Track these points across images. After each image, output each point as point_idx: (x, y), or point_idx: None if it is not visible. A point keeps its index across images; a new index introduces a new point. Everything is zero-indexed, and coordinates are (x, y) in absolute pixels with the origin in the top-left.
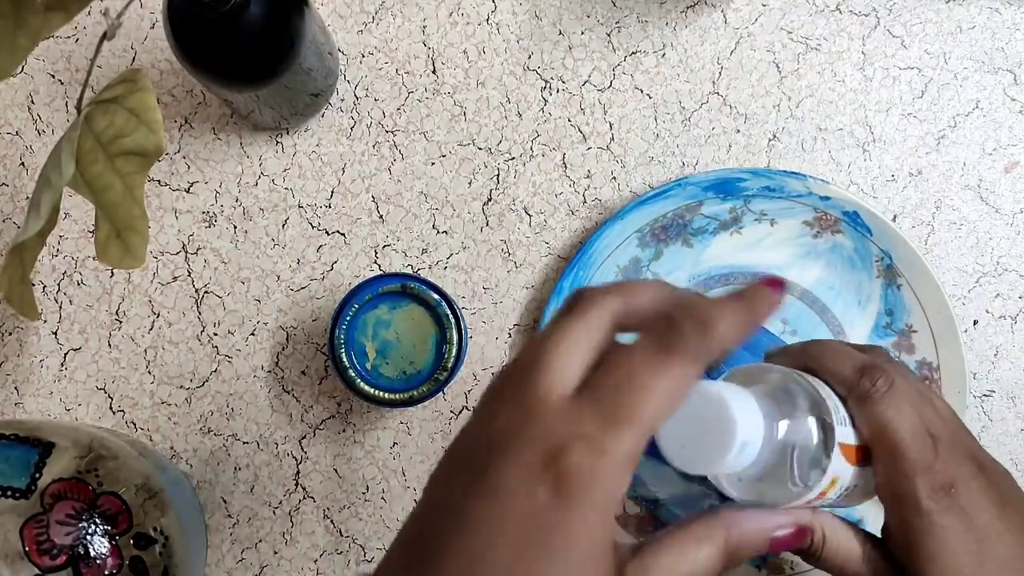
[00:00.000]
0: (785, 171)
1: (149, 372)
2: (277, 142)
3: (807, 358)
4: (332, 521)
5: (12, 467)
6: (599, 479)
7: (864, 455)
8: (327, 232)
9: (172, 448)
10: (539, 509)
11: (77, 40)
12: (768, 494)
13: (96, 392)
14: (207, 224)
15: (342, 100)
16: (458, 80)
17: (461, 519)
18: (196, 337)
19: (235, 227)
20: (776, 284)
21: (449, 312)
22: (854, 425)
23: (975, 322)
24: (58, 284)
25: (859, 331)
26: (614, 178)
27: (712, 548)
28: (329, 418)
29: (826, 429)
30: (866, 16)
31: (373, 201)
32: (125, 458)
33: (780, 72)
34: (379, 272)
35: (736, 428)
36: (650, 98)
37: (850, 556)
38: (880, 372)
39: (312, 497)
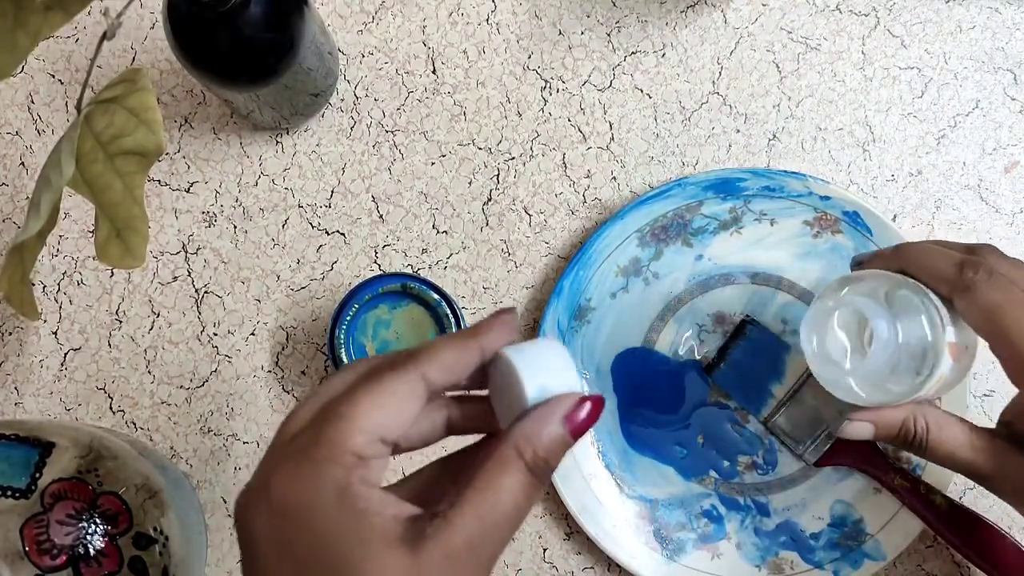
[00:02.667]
0: (785, 171)
1: (149, 372)
2: (277, 142)
3: (903, 260)
4: None
5: (12, 467)
6: (315, 476)
7: (958, 351)
8: (327, 232)
9: (172, 448)
10: (272, 528)
11: (77, 40)
12: (892, 392)
13: (96, 392)
14: (207, 224)
15: (342, 100)
16: (458, 80)
17: None
18: (196, 337)
19: (235, 227)
20: (501, 314)
21: (449, 312)
22: (951, 324)
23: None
24: (58, 284)
25: None
26: (614, 178)
27: (513, 471)
28: None
29: (937, 328)
30: (866, 16)
31: (373, 201)
32: (125, 458)
33: (780, 72)
34: (379, 272)
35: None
36: (650, 98)
37: (957, 444)
38: (978, 263)
39: None
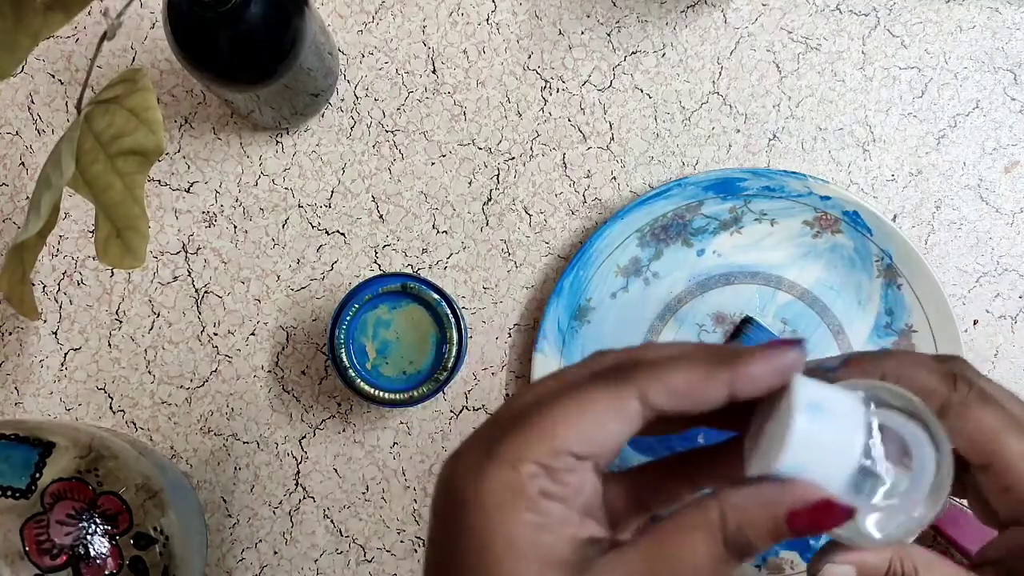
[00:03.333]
0: (785, 171)
1: (149, 372)
2: (277, 142)
3: (884, 371)
4: (332, 521)
5: (12, 467)
6: (487, 478)
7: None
8: (327, 232)
9: (172, 448)
10: (444, 529)
11: (77, 40)
12: (905, 527)
13: (96, 392)
14: (207, 224)
15: (342, 100)
16: (458, 80)
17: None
18: (196, 337)
19: (235, 227)
20: (785, 347)
21: (449, 312)
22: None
23: (975, 322)
24: (58, 284)
25: (859, 331)
26: (614, 178)
27: (706, 536)
28: (329, 418)
29: (946, 447)
30: (866, 16)
31: (373, 201)
32: (125, 458)
33: (780, 72)
34: (379, 272)
35: (796, 425)
36: (650, 98)
37: None
38: (969, 380)
39: (312, 497)
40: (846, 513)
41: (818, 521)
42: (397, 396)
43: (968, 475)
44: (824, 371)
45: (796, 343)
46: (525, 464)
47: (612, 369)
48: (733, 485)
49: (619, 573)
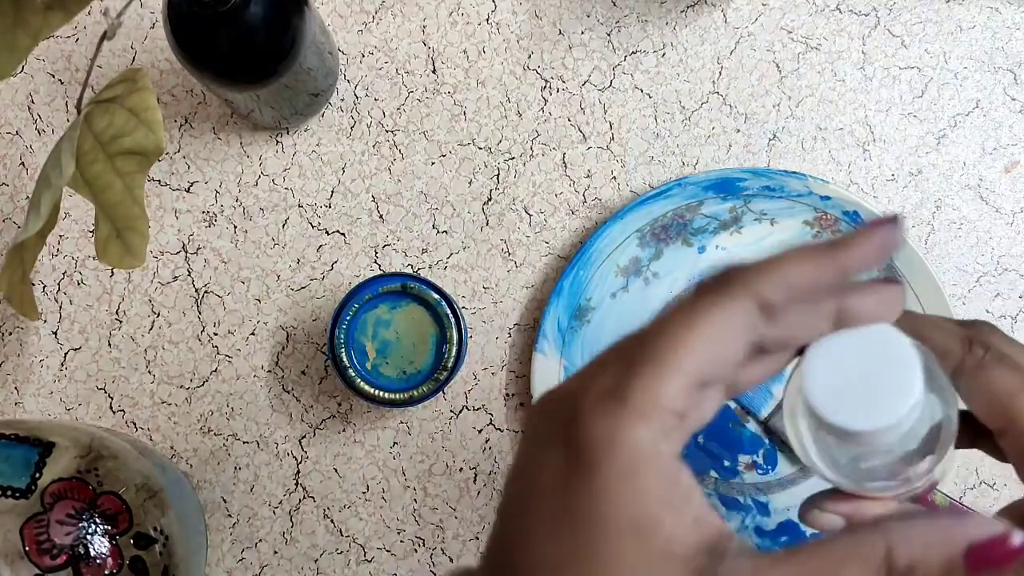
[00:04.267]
0: (785, 171)
1: (149, 372)
2: (277, 142)
3: (901, 326)
4: (332, 521)
5: (12, 467)
6: (619, 437)
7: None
8: (327, 232)
9: (172, 448)
10: (558, 487)
11: (77, 40)
12: (877, 475)
13: (96, 392)
14: (207, 224)
15: (342, 100)
16: (458, 80)
17: (502, 508)
18: (196, 337)
19: (235, 227)
20: (881, 225)
21: (449, 312)
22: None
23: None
24: (58, 284)
25: None
26: (614, 178)
27: (864, 571)
28: (329, 418)
29: (953, 399)
30: (866, 16)
31: (373, 201)
32: (125, 458)
33: (780, 72)
34: (379, 272)
35: (919, 365)
36: (650, 98)
37: None
38: (987, 342)
39: (312, 497)
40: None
41: (999, 558)
42: (397, 396)
43: (992, 441)
44: None
45: (892, 219)
46: (659, 413)
47: (717, 281)
48: (899, 517)
49: None
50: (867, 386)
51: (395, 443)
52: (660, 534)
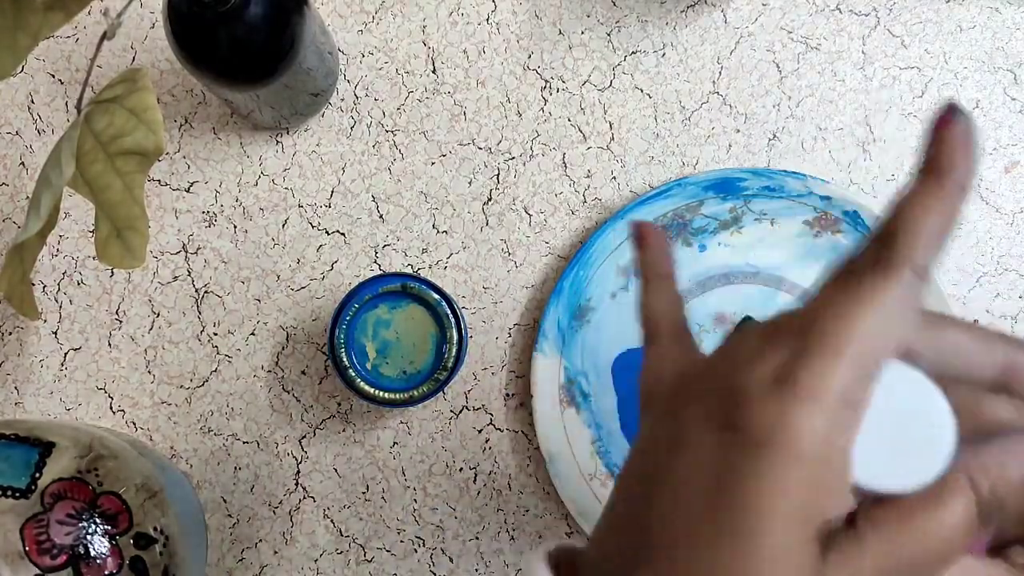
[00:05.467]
0: (785, 171)
1: (149, 372)
2: (277, 142)
3: (935, 344)
4: (332, 521)
5: (12, 467)
6: (792, 422)
7: None
8: (327, 232)
9: (172, 448)
10: (714, 468)
11: (77, 40)
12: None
13: (96, 392)
14: (207, 224)
15: (342, 100)
16: (458, 80)
17: (628, 489)
18: (196, 337)
19: (235, 227)
20: (948, 118)
21: (449, 312)
22: None
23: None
24: (58, 284)
25: None
26: (614, 178)
27: (963, 503)
28: (329, 418)
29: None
30: (866, 16)
31: (373, 201)
32: (125, 458)
33: (780, 72)
34: (379, 272)
35: (952, 424)
36: (650, 98)
37: None
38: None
39: (312, 497)
40: None
41: None
42: (397, 396)
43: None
44: None
45: (949, 111)
46: (832, 400)
47: (868, 251)
48: (970, 452)
49: (863, 555)
50: (899, 445)
51: (395, 443)
52: (821, 523)
